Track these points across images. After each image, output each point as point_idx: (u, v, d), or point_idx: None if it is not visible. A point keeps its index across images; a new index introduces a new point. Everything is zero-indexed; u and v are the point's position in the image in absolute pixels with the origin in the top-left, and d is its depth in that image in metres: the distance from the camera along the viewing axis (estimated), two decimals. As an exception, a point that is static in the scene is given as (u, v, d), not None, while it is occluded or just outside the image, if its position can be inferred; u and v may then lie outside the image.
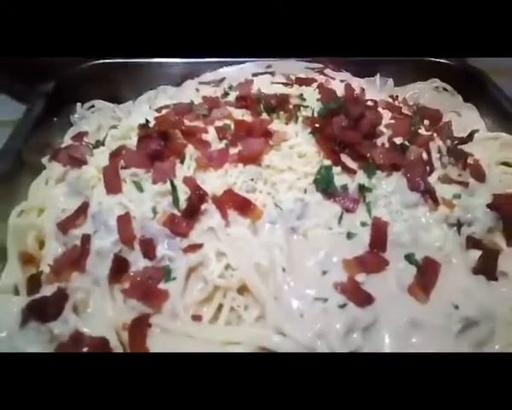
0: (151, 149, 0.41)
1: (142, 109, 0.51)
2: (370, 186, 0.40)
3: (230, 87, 0.52)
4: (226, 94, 0.51)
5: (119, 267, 0.37)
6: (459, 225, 0.40)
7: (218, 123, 0.44)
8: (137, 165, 0.41)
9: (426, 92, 0.65)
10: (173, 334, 0.34)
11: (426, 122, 0.54)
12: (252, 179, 0.39)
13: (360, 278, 0.35)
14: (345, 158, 0.41)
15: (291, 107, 0.47)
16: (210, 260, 0.35)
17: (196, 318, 0.34)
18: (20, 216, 0.44)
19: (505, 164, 0.52)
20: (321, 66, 0.65)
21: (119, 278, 0.36)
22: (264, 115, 0.45)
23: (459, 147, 0.50)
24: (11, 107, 0.63)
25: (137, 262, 0.37)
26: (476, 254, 0.39)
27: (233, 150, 0.41)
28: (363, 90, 0.58)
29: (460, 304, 0.35)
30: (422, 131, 0.48)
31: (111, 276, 0.36)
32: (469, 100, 0.64)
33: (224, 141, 0.42)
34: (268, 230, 0.37)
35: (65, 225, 0.40)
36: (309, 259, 0.36)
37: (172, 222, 0.37)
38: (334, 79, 0.61)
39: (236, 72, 0.63)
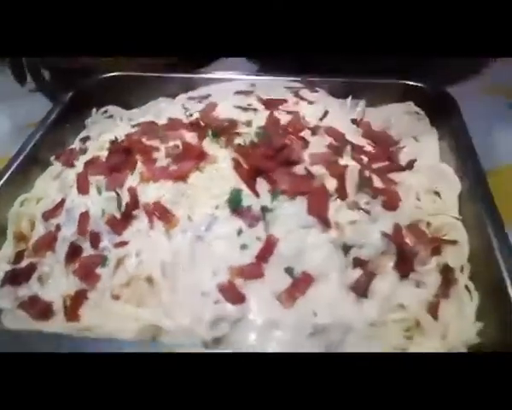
0: (112, 162, 0.53)
1: (122, 126, 0.62)
2: (272, 207, 0.48)
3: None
4: (191, 115, 0.61)
5: (73, 252, 0.49)
6: (346, 247, 0.47)
7: (170, 143, 0.55)
8: (102, 173, 0.53)
9: (395, 115, 0.69)
10: (99, 306, 0.46)
11: (373, 148, 0.60)
12: (176, 194, 0.49)
13: (238, 282, 0.44)
14: (260, 181, 0.50)
15: (235, 132, 0.56)
16: (131, 254, 0.46)
17: (115, 297, 0.46)
18: (23, 204, 0.58)
19: (436, 193, 0.56)
20: (299, 86, 0.72)
21: (72, 260, 0.49)
22: (207, 139, 0.55)
23: (389, 175, 0.56)
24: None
25: (87, 250, 0.49)
26: (359, 273, 0.46)
27: (173, 168, 0.52)
28: (326, 112, 0.65)
29: (319, 313, 0.42)
30: (347, 160, 0.54)
31: (67, 258, 0.49)
32: (437, 125, 0.67)
33: (169, 160, 0.53)
34: (179, 237, 0.47)
35: (47, 215, 0.54)
36: (206, 263, 0.45)
37: (113, 222, 0.49)
38: (305, 100, 0.68)
39: (221, 88, 0.72)
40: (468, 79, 0.83)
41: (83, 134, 0.69)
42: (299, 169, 0.51)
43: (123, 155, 0.54)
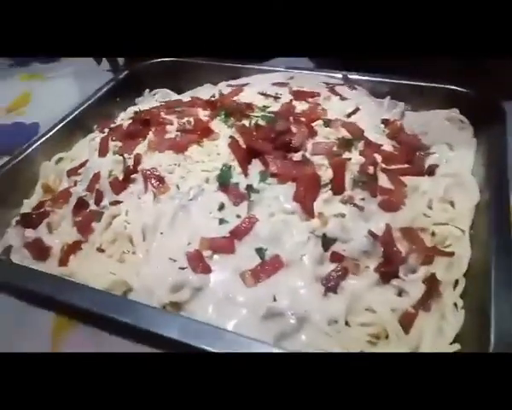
0: (129, 129, 0.57)
1: (152, 101, 0.66)
2: (258, 189, 0.47)
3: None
4: (213, 97, 0.62)
5: (80, 206, 0.53)
6: (325, 239, 0.45)
7: (185, 119, 0.57)
8: (120, 139, 0.58)
9: (436, 120, 0.64)
10: (87, 256, 0.49)
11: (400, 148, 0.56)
12: (175, 164, 0.51)
13: (206, 253, 0.44)
14: (256, 162, 0.50)
15: (246, 114, 0.56)
16: (121, 214, 0.49)
17: (101, 250, 0.49)
18: (58, 162, 0.64)
19: (450, 202, 0.51)
20: (338, 82, 0.70)
21: (77, 213, 0.53)
22: (218, 118, 0.56)
23: (403, 177, 0.52)
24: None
25: (92, 206, 0.53)
26: (332, 268, 0.44)
27: (178, 140, 0.54)
28: (356, 109, 0.62)
29: (279, 298, 0.41)
30: (354, 154, 0.52)
31: (73, 211, 0.53)
32: (480, 136, 0.61)
33: (178, 133, 0.55)
34: (165, 202, 0.49)
35: (70, 172, 0.59)
36: (184, 231, 0.46)
37: (114, 183, 0.52)
38: (338, 95, 0.66)
39: (260, 78, 0.73)
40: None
41: (129, 110, 0.74)
42: (297, 156, 0.50)
43: (140, 125, 0.57)
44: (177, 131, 0.55)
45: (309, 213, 0.45)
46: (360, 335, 0.40)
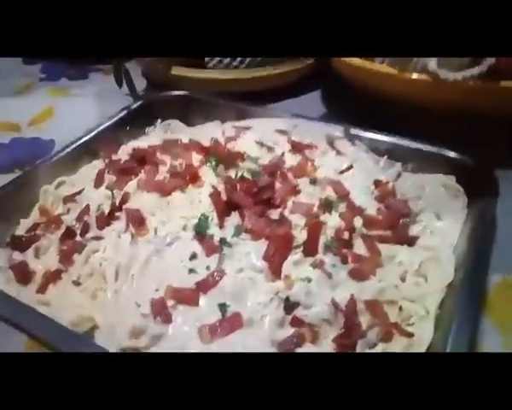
0: (123, 165, 0.60)
1: (153, 138, 0.69)
2: (230, 243, 0.49)
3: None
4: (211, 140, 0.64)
5: (67, 235, 0.56)
6: (288, 303, 0.45)
7: (178, 161, 0.59)
8: (115, 173, 0.60)
9: (431, 184, 0.64)
10: (63, 287, 0.51)
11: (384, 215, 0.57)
12: (157, 207, 0.53)
13: (170, 302, 0.45)
14: (235, 215, 0.51)
15: (235, 164, 0.58)
16: (99, 250, 0.51)
17: (76, 283, 0.51)
18: (59, 185, 0.67)
19: (423, 276, 0.51)
20: (338, 136, 0.71)
21: (64, 242, 0.56)
22: (208, 165, 0.58)
23: (381, 244, 0.52)
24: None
25: (78, 236, 0.56)
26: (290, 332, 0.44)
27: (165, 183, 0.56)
28: (349, 167, 0.63)
29: (232, 358, 0.42)
30: (333, 217, 0.52)
31: (60, 239, 0.56)
32: (471, 207, 0.61)
33: (168, 175, 0.57)
34: (141, 245, 0.50)
35: (66, 199, 0.62)
36: (153, 277, 0.48)
37: (99, 218, 0.54)
38: (335, 150, 0.67)
39: (263, 123, 0.75)
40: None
41: (129, 144, 0.77)
42: (275, 213, 0.51)
43: (135, 162, 0.59)
44: (168, 172, 0.57)
45: (275, 273, 0.46)
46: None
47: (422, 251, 0.53)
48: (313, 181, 0.56)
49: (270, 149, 0.62)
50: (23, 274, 0.53)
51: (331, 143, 0.68)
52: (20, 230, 0.61)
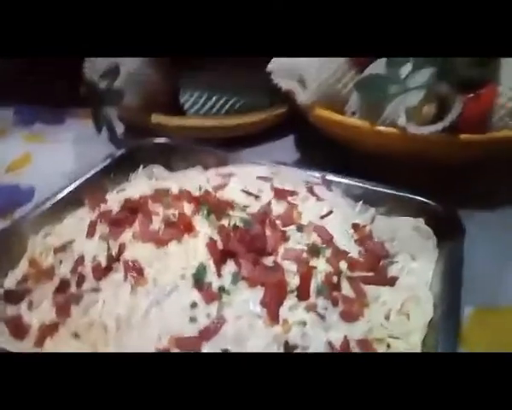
0: (116, 216, 0.62)
1: (142, 187, 0.71)
2: (229, 290, 0.51)
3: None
4: (200, 189, 0.68)
5: (62, 288, 0.56)
6: (287, 346, 0.48)
7: (171, 211, 0.62)
8: (107, 224, 0.62)
9: (403, 228, 0.70)
10: (62, 340, 0.52)
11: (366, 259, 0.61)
12: (155, 257, 0.55)
13: (175, 351, 0.47)
14: (230, 263, 0.54)
15: (227, 213, 0.61)
16: (99, 301, 0.53)
17: (75, 335, 0.51)
18: (46, 236, 0.68)
19: (406, 314, 0.55)
20: (317, 182, 0.76)
21: (58, 294, 0.56)
22: (200, 214, 0.61)
23: (365, 286, 0.57)
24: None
25: (73, 288, 0.57)
26: (292, 375, 0.47)
27: (161, 233, 0.58)
28: (329, 212, 0.68)
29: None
30: (321, 262, 0.56)
31: (55, 291, 0.56)
32: (441, 247, 0.67)
33: (162, 225, 0.59)
34: (141, 296, 0.52)
35: (56, 250, 0.63)
36: (155, 326, 0.50)
37: (96, 269, 0.56)
38: (315, 196, 0.72)
39: (245, 170, 0.79)
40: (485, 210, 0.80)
41: (121, 186, 0.79)
42: (268, 260, 0.55)
43: (128, 213, 0.61)
44: (162, 222, 0.59)
45: (273, 318, 0.49)
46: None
47: (403, 291, 0.57)
48: (300, 228, 0.60)
49: (256, 197, 0.65)
50: (18, 328, 0.53)
51: (310, 188, 0.73)
52: (9, 282, 0.61)
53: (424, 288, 0.59)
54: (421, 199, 0.72)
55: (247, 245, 0.55)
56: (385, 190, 0.74)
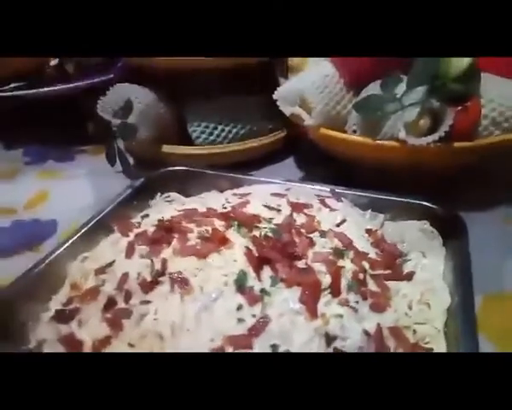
0: (154, 236, 0.67)
1: (171, 210, 0.77)
2: (270, 292, 0.57)
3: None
4: (225, 208, 0.73)
5: (109, 304, 0.61)
6: (328, 337, 0.53)
7: (203, 227, 0.67)
8: (145, 243, 0.67)
9: (410, 230, 0.77)
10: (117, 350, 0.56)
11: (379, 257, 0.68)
12: (197, 269, 0.60)
13: (229, 349, 0.52)
14: (266, 268, 0.60)
15: (256, 226, 0.67)
16: (150, 312, 0.57)
17: (131, 345, 0.56)
18: (84, 260, 0.72)
19: (426, 304, 0.61)
20: (327, 194, 0.83)
21: (107, 311, 0.60)
22: (232, 229, 0.66)
23: (386, 282, 0.63)
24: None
25: (120, 304, 0.61)
26: (336, 362, 0.52)
27: (199, 247, 0.63)
28: (343, 220, 0.74)
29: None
30: (346, 262, 0.62)
31: (103, 308, 0.60)
32: (447, 245, 0.74)
33: (198, 241, 0.65)
34: (190, 304, 0.57)
35: (98, 271, 0.67)
36: (207, 329, 0.54)
37: (143, 284, 0.60)
38: (328, 207, 0.78)
39: (260, 189, 0.85)
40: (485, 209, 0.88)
41: (144, 212, 0.84)
42: (301, 263, 0.60)
43: (164, 232, 0.66)
44: (198, 238, 0.65)
45: (313, 313, 0.54)
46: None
47: (419, 284, 0.64)
48: (322, 234, 0.66)
49: (278, 211, 0.71)
50: (72, 344, 0.57)
51: (322, 201, 0.79)
52: (54, 305, 0.65)
53: (438, 279, 0.65)
54: (425, 203, 0.79)
55: (279, 252, 0.61)
56: (390, 198, 0.82)
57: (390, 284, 0.63)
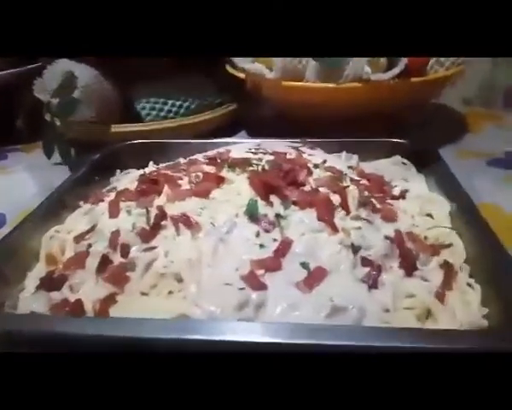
0: (140, 189, 0.60)
1: (149, 167, 0.70)
2: (285, 215, 0.54)
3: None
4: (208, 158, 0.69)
5: (104, 263, 0.53)
6: (353, 247, 0.52)
7: (192, 175, 0.62)
8: (131, 199, 0.60)
9: (384, 166, 0.79)
10: (128, 304, 0.49)
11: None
12: (200, 208, 0.55)
13: (259, 272, 0.48)
14: (273, 198, 0.57)
15: (249, 164, 0.64)
16: (160, 256, 0.51)
17: (144, 294, 0.49)
18: (57, 232, 0.63)
19: (428, 215, 0.63)
20: (299, 144, 0.82)
21: (103, 270, 0.53)
22: (224, 170, 0.62)
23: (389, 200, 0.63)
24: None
25: (117, 260, 0.54)
26: (367, 270, 0.51)
27: (196, 189, 0.58)
28: (324, 160, 0.74)
29: (334, 297, 0.46)
30: (347, 184, 0.62)
31: (98, 269, 0.53)
32: (423, 172, 0.77)
33: (192, 185, 0.60)
34: (203, 239, 0.52)
35: (78, 238, 0.59)
36: (228, 259, 0.50)
37: (142, 233, 0.54)
38: (303, 153, 0.77)
39: (234, 148, 0.82)
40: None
41: (109, 187, 0.76)
42: (306, 188, 0.58)
43: (150, 184, 0.60)
44: (190, 183, 0.60)
45: (334, 228, 0.53)
46: (410, 316, 0.46)
47: (415, 200, 0.65)
48: (315, 166, 0.65)
49: (264, 153, 0.69)
50: (72, 309, 0.49)
51: (297, 149, 0.79)
52: (31, 283, 0.55)
53: (430, 193, 0.67)
54: (394, 140, 0.82)
55: (283, 179, 0.58)
56: (359, 140, 0.83)
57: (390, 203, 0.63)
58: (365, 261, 0.51)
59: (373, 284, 0.49)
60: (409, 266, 0.52)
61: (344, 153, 0.80)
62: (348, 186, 0.60)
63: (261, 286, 0.47)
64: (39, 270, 0.57)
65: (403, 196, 0.66)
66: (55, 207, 0.68)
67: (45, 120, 0.96)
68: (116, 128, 0.96)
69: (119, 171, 0.83)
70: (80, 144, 0.99)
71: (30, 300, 0.51)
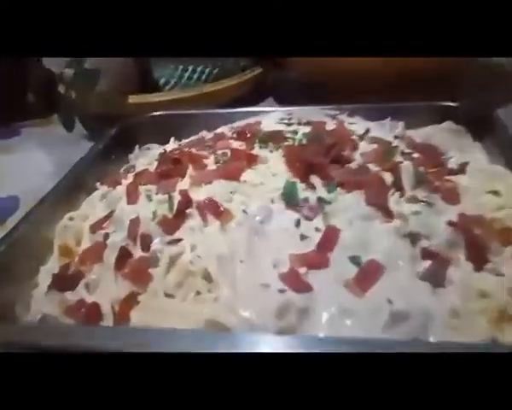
0: (160, 171, 0.53)
1: (170, 144, 0.63)
2: (329, 200, 0.46)
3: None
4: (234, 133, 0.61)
5: (124, 256, 0.47)
6: (412, 236, 0.44)
7: (219, 152, 0.55)
8: (151, 182, 0.53)
9: (435, 133, 0.69)
10: (152, 307, 0.43)
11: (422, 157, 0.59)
12: (230, 192, 0.48)
13: (302, 270, 0.41)
14: (313, 178, 0.48)
15: (283, 138, 0.55)
16: (185, 250, 0.44)
17: (169, 296, 0.43)
18: (70, 220, 0.57)
19: (494, 192, 0.54)
20: (336, 112, 0.73)
21: (122, 265, 0.46)
22: (256, 146, 0.54)
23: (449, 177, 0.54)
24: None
25: (138, 253, 0.47)
26: (428, 263, 0.43)
27: (224, 169, 0.51)
28: (367, 130, 0.64)
29: (394, 300, 0.39)
30: (399, 158, 0.53)
31: (116, 263, 0.46)
32: (480, 140, 0.67)
33: (218, 165, 0.52)
34: (235, 230, 0.45)
35: (94, 227, 0.53)
36: (265, 255, 0.43)
37: (164, 222, 0.47)
38: (344, 121, 0.68)
39: (265, 118, 0.73)
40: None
41: (127, 166, 0.70)
42: (352, 165, 0.50)
43: (172, 164, 0.53)
44: (216, 163, 0.52)
45: (387, 214, 0.45)
46: (484, 321, 0.39)
47: (477, 174, 0.56)
48: (360, 138, 0.57)
49: (298, 124, 0.60)
50: (88, 312, 0.43)
51: (334, 117, 0.70)
52: (45, 278, 0.50)
53: (492, 166, 0.58)
54: (446, 103, 0.71)
55: (324, 156, 0.50)
56: (403, 104, 0.73)
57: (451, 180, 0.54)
58: (426, 253, 0.43)
59: (437, 281, 0.41)
60: (478, 258, 0.43)
61: (388, 120, 0.70)
62: (401, 162, 0.50)
63: (305, 287, 0.40)
64: (53, 264, 0.52)
65: (462, 169, 0.57)
66: (70, 190, 0.62)
67: (59, 92, 0.89)
68: (133, 99, 0.88)
69: (137, 147, 0.76)
70: (95, 117, 0.92)
71: (42, 301, 0.45)
